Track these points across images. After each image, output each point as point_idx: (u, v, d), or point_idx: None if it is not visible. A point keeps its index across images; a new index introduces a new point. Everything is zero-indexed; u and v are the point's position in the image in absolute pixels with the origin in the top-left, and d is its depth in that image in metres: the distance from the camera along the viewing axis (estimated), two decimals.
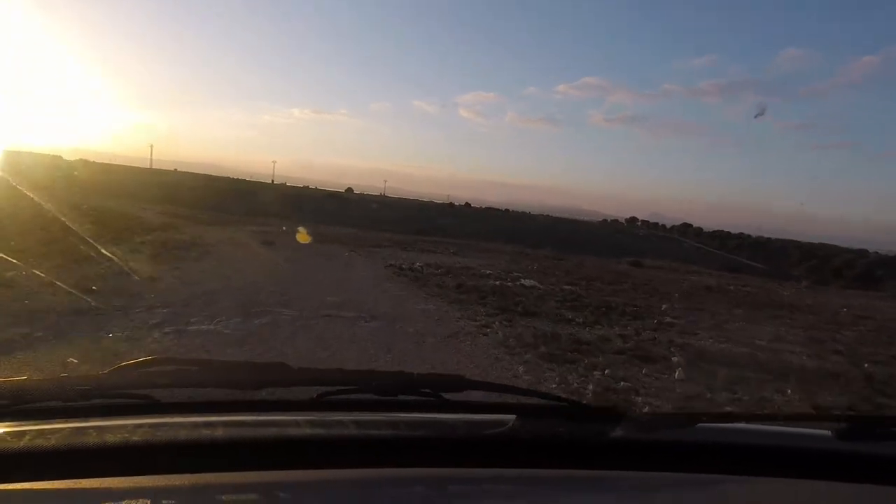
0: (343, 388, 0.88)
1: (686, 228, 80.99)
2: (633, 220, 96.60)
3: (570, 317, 8.36)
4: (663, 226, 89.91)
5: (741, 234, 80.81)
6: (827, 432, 0.91)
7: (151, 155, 78.13)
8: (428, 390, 0.90)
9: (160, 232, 15.91)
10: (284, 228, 20.56)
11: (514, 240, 35.99)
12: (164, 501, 0.65)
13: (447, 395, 0.91)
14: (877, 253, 64.39)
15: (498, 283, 12.41)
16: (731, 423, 1.01)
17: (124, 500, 0.64)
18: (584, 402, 1.54)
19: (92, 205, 18.93)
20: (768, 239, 76.97)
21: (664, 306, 11.11)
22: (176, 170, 79.11)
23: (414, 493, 0.74)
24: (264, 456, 0.73)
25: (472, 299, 9.36)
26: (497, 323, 7.18)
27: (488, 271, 14.86)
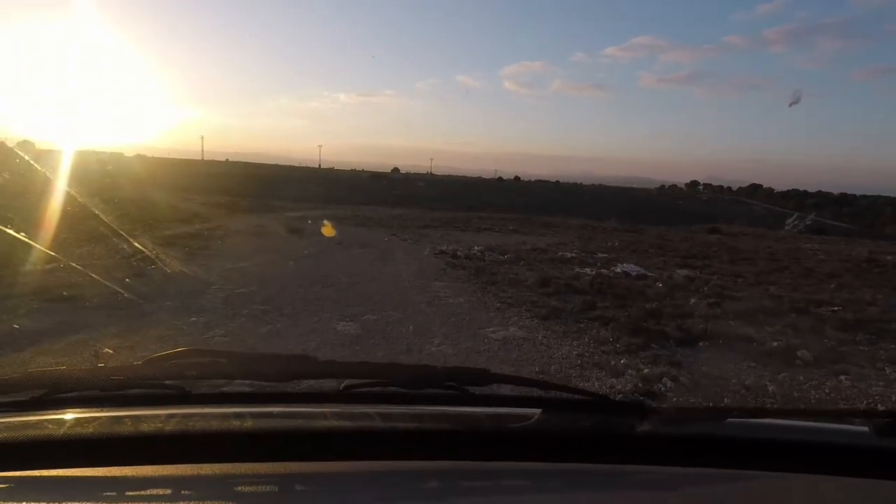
0: (368, 380, 0.84)
1: (755, 189, 72.25)
2: (694, 184, 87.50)
3: (783, 342, 4.47)
4: (728, 188, 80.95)
5: (819, 191, 71.60)
6: (864, 428, 0.83)
7: (202, 147, 78.11)
8: (453, 384, 0.83)
9: (180, 223, 13.13)
10: (321, 222, 17.42)
11: (572, 212, 31.60)
12: (194, 490, 0.63)
13: (472, 389, 0.83)
14: None
15: (591, 272, 8.57)
16: (763, 418, 0.89)
17: (157, 487, 0.63)
18: (612, 395, 1.28)
19: (129, 197, 16.73)
20: (853, 196, 67.56)
21: (876, 298, 6.91)
22: (227, 160, 78.83)
23: (439, 486, 0.69)
24: (292, 447, 0.71)
25: (576, 308, 5.63)
26: (667, 381, 3.47)
27: (567, 254, 10.98)
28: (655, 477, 0.75)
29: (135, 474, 0.66)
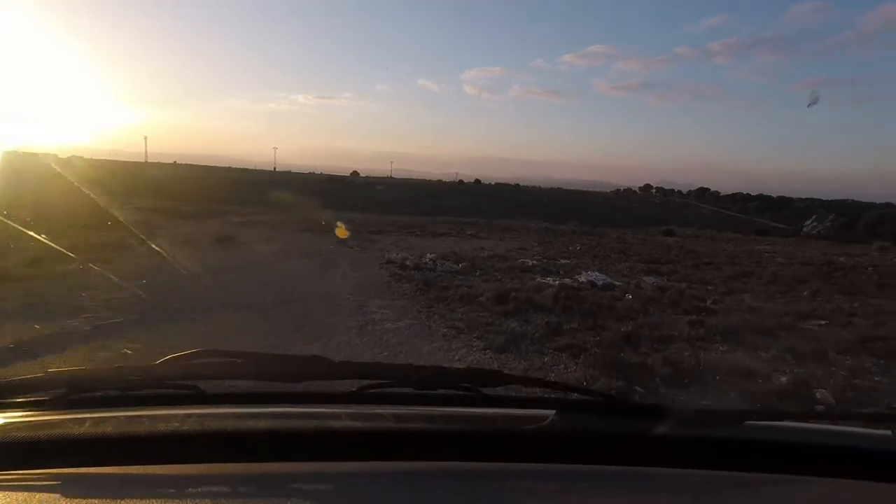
0: (382, 381, 0.82)
1: (703, 193, 74.62)
2: (647, 187, 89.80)
3: (790, 375, 3.57)
4: (679, 192, 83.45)
5: (761, 195, 74.95)
6: (887, 432, 0.81)
7: (146, 148, 72.84)
8: (467, 385, 0.82)
9: (101, 231, 11.39)
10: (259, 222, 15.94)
11: (533, 215, 31.19)
12: (210, 489, 0.63)
13: (486, 390, 0.81)
14: None
15: (555, 282, 7.64)
16: (783, 421, 0.86)
17: (174, 486, 0.63)
18: (628, 397, 1.23)
19: (47, 201, 14.68)
20: (790, 199, 71.18)
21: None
22: (175, 162, 73.94)
23: (452, 487, 0.68)
24: (306, 447, 0.71)
25: (538, 333, 4.64)
26: None
27: (528, 261, 10.07)
28: (671, 479, 0.72)
29: (152, 473, 0.65)
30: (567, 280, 7.93)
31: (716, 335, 4.70)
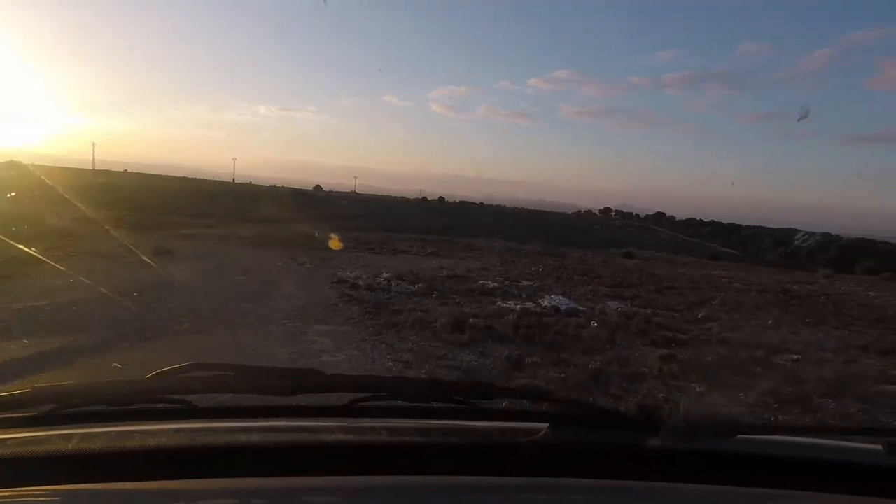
0: (375, 394, 0.82)
1: (660, 217, 77.27)
2: (607, 210, 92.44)
3: None
4: (637, 215, 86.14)
5: (713, 220, 78.32)
6: (877, 447, 0.79)
7: (94, 155, 67.91)
8: (460, 398, 0.82)
9: (27, 242, 10.09)
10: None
11: (496, 234, 31.13)
12: None
13: (479, 403, 0.82)
14: (838, 236, 62.61)
15: (517, 306, 7.15)
16: (775, 434, 0.87)
17: (164, 502, 0.62)
18: (621, 410, 1.10)
19: None
20: (739, 226, 74.67)
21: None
22: (126, 171, 70.12)
23: (446, 501, 0.67)
24: (299, 461, 0.69)
25: (497, 368, 4.09)
26: None
27: (489, 283, 9.56)
28: (664, 493, 0.72)
29: (142, 489, 0.64)
30: (529, 304, 7.46)
31: (689, 371, 4.27)
